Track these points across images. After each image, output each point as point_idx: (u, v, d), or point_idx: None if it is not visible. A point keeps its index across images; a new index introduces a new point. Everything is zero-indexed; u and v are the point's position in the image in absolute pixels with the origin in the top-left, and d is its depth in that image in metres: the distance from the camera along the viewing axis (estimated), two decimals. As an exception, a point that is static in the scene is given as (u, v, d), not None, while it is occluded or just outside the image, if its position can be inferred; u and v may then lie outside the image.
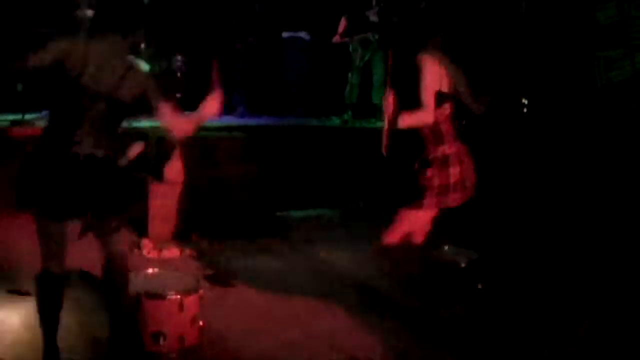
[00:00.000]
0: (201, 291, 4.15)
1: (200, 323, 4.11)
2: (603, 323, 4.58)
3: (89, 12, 7.42)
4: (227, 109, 8.77)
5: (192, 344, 4.04)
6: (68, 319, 4.00)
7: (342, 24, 8.46)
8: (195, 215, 6.24)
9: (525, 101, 7.99)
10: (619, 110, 7.07)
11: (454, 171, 4.24)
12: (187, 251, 5.88)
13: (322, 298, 4.95)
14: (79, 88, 3.44)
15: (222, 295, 4.97)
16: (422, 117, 4.13)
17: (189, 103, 8.50)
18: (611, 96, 7.16)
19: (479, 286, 5.02)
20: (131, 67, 3.58)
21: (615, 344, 4.36)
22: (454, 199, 4.31)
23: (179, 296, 3.97)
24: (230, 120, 8.34)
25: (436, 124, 4.21)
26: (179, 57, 8.54)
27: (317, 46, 9.20)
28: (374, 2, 8.56)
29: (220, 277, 5.29)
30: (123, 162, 3.74)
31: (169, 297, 3.97)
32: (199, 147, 6.33)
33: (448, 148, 4.25)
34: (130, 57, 3.65)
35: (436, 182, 4.24)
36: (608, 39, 7.16)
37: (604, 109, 7.16)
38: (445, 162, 4.24)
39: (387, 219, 4.47)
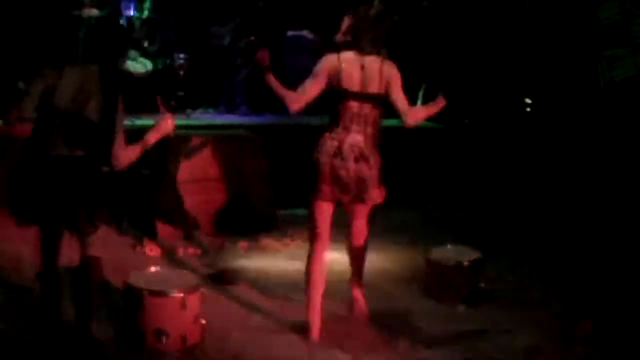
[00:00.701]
0: (203, 289, 4.15)
1: (203, 321, 4.11)
2: (606, 323, 4.58)
3: (94, 11, 7.42)
4: (229, 107, 8.79)
5: (194, 342, 4.04)
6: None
7: (346, 22, 8.42)
8: (198, 213, 6.23)
9: (528, 100, 7.99)
10: (621, 109, 7.07)
11: (343, 164, 4.24)
12: (190, 250, 5.87)
13: (325, 297, 4.94)
14: (51, 105, 3.73)
15: (224, 294, 4.97)
16: (286, 97, 4.33)
17: (190, 101, 8.57)
18: (614, 94, 7.17)
19: (482, 285, 5.01)
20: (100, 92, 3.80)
21: (618, 343, 4.36)
22: (334, 194, 4.30)
23: (181, 294, 3.97)
24: (233, 119, 8.33)
25: (337, 117, 4.28)
26: (181, 55, 8.53)
27: (320, 45, 9.19)
28: (376, 1, 8.53)
29: (223, 276, 5.28)
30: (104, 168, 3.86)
31: (171, 295, 3.97)
32: (201, 145, 6.33)
33: (338, 142, 4.25)
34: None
35: (327, 169, 4.27)
36: (611, 37, 7.16)
37: (607, 108, 7.16)
38: (338, 153, 4.25)
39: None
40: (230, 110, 8.74)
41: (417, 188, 7.52)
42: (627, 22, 7.09)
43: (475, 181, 7.51)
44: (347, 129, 4.28)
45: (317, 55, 4.69)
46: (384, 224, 6.58)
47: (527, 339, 4.39)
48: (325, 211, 4.40)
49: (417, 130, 4.37)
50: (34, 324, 4.10)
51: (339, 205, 4.43)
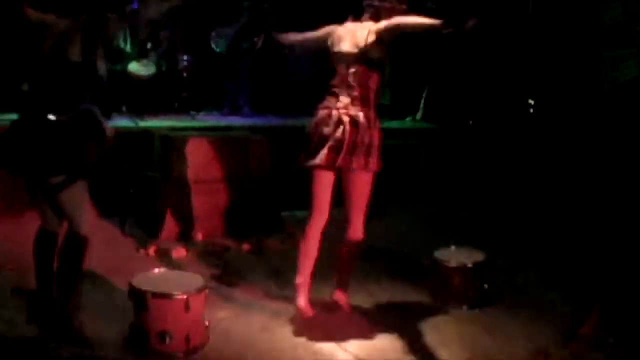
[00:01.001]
0: (207, 291, 4.15)
1: (206, 323, 4.12)
2: (609, 321, 4.57)
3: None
4: (233, 109, 8.80)
5: (198, 343, 4.04)
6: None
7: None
8: (202, 214, 6.24)
9: (531, 102, 7.99)
10: (625, 110, 7.06)
11: (328, 130, 4.34)
12: (193, 251, 5.88)
13: (327, 297, 4.95)
14: (40, 52, 3.92)
15: (227, 295, 4.97)
16: (286, 37, 4.80)
17: (194, 103, 8.58)
18: (617, 96, 7.16)
19: (485, 287, 5.00)
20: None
21: (622, 340, 4.35)
22: (327, 158, 4.33)
23: (185, 296, 3.97)
24: (236, 120, 8.34)
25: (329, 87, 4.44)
26: (185, 57, 8.54)
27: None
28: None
29: (226, 277, 5.29)
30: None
31: (175, 296, 3.97)
32: (205, 146, 6.33)
33: (326, 108, 4.39)
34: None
35: (316, 133, 4.40)
36: (614, 38, 7.15)
37: (610, 109, 7.15)
38: (325, 117, 4.38)
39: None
40: (234, 111, 8.75)
41: (422, 189, 7.52)
42: (631, 23, 7.08)
43: (480, 182, 7.51)
44: (335, 95, 4.40)
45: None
46: (388, 225, 6.60)
47: (531, 341, 4.38)
48: (323, 179, 4.43)
49: (421, 131, 4.36)
50: (34, 323, 4.11)
51: (338, 175, 4.44)
